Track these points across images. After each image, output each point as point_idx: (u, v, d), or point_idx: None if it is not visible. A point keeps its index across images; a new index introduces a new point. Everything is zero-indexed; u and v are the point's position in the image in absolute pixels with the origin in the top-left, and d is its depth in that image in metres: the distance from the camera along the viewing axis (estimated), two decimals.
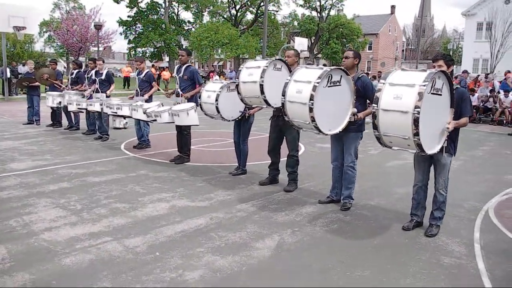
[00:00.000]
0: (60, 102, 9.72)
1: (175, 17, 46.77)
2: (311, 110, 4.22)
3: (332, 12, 42.11)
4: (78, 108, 9.03)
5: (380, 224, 4.55)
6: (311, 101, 4.20)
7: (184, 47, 46.10)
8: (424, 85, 3.64)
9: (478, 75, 19.50)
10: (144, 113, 6.95)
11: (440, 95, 3.88)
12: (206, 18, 46.23)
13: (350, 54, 4.89)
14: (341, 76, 4.51)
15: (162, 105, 7.07)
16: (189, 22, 48.31)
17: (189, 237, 4.02)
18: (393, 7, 56.22)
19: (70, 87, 10.01)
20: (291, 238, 4.08)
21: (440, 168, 4.25)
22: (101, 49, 34.24)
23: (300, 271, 3.44)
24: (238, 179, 6.16)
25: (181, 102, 6.76)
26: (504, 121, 14.18)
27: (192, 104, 6.59)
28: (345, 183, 5.02)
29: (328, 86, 4.38)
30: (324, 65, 22.36)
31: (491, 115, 14.88)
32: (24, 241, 3.85)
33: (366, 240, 4.10)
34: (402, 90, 3.77)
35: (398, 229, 4.39)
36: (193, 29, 45.06)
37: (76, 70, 10.18)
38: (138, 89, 8.02)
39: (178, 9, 47.40)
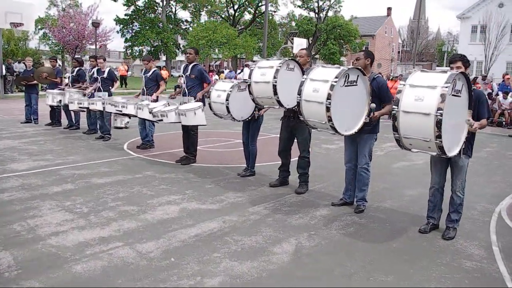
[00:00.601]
0: (60, 101, 9.54)
1: (172, 16, 46.49)
2: (328, 109, 4.14)
3: (330, 13, 42.06)
4: (80, 107, 8.85)
5: (396, 226, 4.47)
6: (328, 100, 4.11)
7: (181, 46, 45.99)
8: (447, 87, 3.56)
9: (476, 77, 19.53)
10: (150, 112, 6.80)
11: (460, 96, 3.81)
12: (204, 17, 45.97)
13: (361, 56, 4.81)
14: (358, 76, 4.42)
15: (169, 105, 6.92)
16: (186, 21, 48.04)
17: (204, 242, 3.90)
18: (389, 9, 56.34)
19: (70, 85, 9.83)
20: (309, 242, 3.97)
21: (457, 170, 4.20)
22: (97, 47, 33.83)
23: (322, 276, 3.33)
24: (247, 180, 6.05)
25: (188, 101, 6.63)
26: (504, 123, 14.20)
27: (200, 103, 6.46)
28: (359, 185, 4.93)
29: (345, 86, 4.29)
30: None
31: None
32: (30, 247, 3.66)
33: (384, 244, 4.01)
34: (424, 92, 3.69)
35: (414, 231, 4.30)
36: (190, 28, 44.77)
37: (77, 68, 10.00)
38: (145, 88, 7.85)
39: (175, 8, 47.13)
